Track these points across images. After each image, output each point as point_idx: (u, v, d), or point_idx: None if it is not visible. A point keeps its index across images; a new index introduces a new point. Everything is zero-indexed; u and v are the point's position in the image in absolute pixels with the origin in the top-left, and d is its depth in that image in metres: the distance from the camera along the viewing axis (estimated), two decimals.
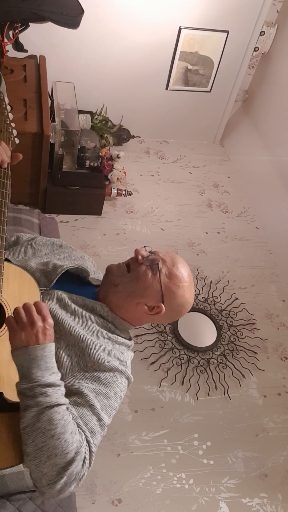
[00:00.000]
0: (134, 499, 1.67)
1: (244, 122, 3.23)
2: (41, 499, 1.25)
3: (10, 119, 1.25)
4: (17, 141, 1.23)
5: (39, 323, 0.92)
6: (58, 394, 0.90)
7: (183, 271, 1.16)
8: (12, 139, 1.22)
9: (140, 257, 1.14)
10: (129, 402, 1.90)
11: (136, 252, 1.15)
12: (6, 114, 1.24)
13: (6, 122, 1.23)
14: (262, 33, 2.79)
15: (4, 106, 1.25)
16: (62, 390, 0.92)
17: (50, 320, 0.95)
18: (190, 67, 2.81)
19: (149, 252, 1.18)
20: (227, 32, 2.71)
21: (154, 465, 1.77)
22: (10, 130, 1.23)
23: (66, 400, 0.92)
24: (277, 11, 2.84)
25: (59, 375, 0.93)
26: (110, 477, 1.70)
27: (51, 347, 0.93)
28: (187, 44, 2.70)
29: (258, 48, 2.87)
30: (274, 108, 2.92)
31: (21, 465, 1.12)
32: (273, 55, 2.92)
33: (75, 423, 0.92)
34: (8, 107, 1.26)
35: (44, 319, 0.93)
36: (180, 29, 2.62)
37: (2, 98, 1.26)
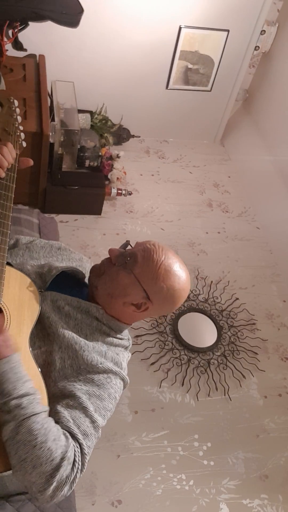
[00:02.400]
0: (134, 500, 1.67)
1: (244, 122, 3.23)
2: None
3: (19, 122, 1.24)
4: (24, 144, 1.23)
5: None
6: (33, 404, 0.89)
7: (162, 261, 1.05)
8: (20, 142, 1.21)
9: (113, 257, 1.10)
10: (129, 403, 1.89)
11: (109, 252, 1.11)
12: (15, 117, 1.23)
13: (15, 125, 1.22)
14: (262, 32, 2.78)
15: (13, 109, 1.24)
16: (38, 397, 0.91)
17: (7, 332, 0.94)
18: (190, 66, 2.80)
19: (128, 249, 1.14)
20: (228, 31, 2.70)
21: (154, 466, 1.76)
22: (18, 134, 1.22)
23: (44, 407, 0.92)
24: (278, 10, 2.84)
25: (32, 381, 0.93)
26: (110, 478, 1.70)
27: (16, 357, 0.92)
28: (187, 43, 2.69)
29: (259, 47, 2.86)
30: (274, 108, 2.91)
31: None
32: (273, 54, 2.91)
33: (58, 428, 0.91)
34: (18, 110, 1.25)
35: (0, 332, 0.93)
36: (180, 28, 2.61)
37: (11, 100, 1.25)
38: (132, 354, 1.18)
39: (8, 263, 1.14)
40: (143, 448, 1.79)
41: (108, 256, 1.13)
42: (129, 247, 1.15)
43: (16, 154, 1.18)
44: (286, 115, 2.78)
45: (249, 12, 2.65)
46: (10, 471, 0.95)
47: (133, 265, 1.06)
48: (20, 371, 0.92)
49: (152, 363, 2.03)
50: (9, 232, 1.10)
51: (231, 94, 3.04)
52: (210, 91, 2.96)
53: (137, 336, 2.08)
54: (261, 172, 2.96)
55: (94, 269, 1.15)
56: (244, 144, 3.16)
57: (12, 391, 0.88)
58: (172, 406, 1.94)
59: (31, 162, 1.19)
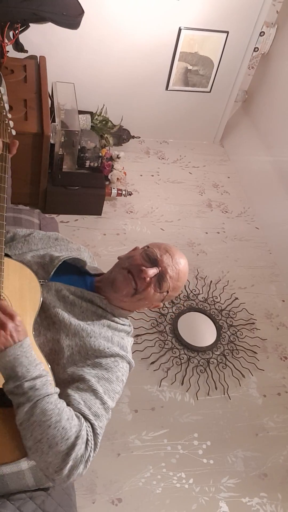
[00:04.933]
0: (134, 498, 1.68)
1: (244, 122, 3.24)
2: (42, 498, 1.25)
3: (7, 110, 1.24)
4: (13, 132, 1.23)
5: (10, 324, 0.92)
6: (46, 385, 0.91)
7: (185, 278, 1.19)
8: (9, 131, 1.21)
9: (148, 279, 1.12)
10: (129, 402, 1.90)
11: (144, 273, 1.11)
12: (1, 105, 1.24)
13: (2, 114, 1.23)
14: (261, 33, 2.80)
15: (0, 97, 1.24)
16: (50, 379, 0.93)
17: (18, 317, 0.95)
18: (190, 67, 2.82)
19: (150, 255, 1.15)
20: (227, 32, 2.71)
21: (154, 464, 1.77)
22: (6, 122, 1.22)
23: (56, 389, 0.94)
24: (277, 11, 2.85)
25: (42, 364, 0.95)
26: (110, 477, 1.71)
27: (27, 342, 0.94)
28: (187, 45, 2.71)
29: (258, 49, 2.88)
30: (274, 109, 2.92)
31: (21, 464, 1.13)
32: (272, 55, 2.92)
33: (70, 409, 0.94)
34: (5, 98, 1.25)
35: (12, 317, 0.94)
36: (180, 29, 2.63)
37: None
38: (132, 353, 1.20)
39: (7, 255, 1.15)
40: (143, 447, 1.80)
41: (131, 264, 1.15)
42: (150, 249, 1.18)
43: (7, 142, 1.17)
44: (285, 116, 2.79)
45: (248, 13, 2.67)
46: (11, 468, 0.96)
47: (168, 289, 1.15)
48: (32, 354, 0.93)
49: (152, 362, 2.04)
50: (4, 223, 1.10)
51: (230, 95, 3.06)
52: (209, 92, 2.98)
53: (137, 336, 2.09)
54: (260, 173, 2.97)
55: (121, 289, 1.13)
56: (243, 145, 3.17)
57: (25, 374, 0.89)
58: (172, 405, 1.95)
59: (17, 142, 1.19)
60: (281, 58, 2.83)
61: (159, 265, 1.13)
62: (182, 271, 1.17)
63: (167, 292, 1.16)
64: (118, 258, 1.23)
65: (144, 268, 1.11)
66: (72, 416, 0.91)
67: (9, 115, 1.23)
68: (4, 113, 1.23)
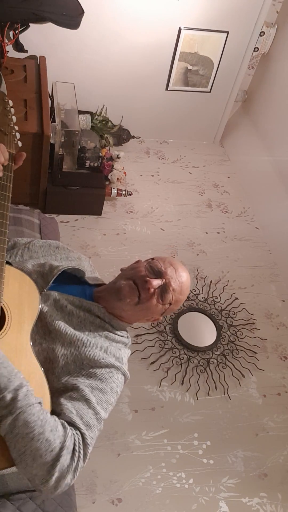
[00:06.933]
0: (134, 498, 1.68)
1: (244, 123, 3.24)
2: (41, 498, 1.25)
3: (14, 121, 1.25)
4: (20, 144, 1.24)
5: None
6: (28, 396, 0.89)
7: (187, 292, 1.21)
8: (16, 142, 1.22)
9: (152, 290, 1.13)
10: (129, 402, 1.91)
11: (148, 284, 1.12)
12: (10, 117, 1.24)
13: (10, 125, 1.23)
14: (261, 33, 2.80)
15: (8, 108, 1.25)
16: (31, 388, 0.92)
17: None
18: (190, 67, 2.82)
19: (154, 268, 1.16)
20: (227, 32, 2.71)
21: (154, 464, 1.77)
22: (13, 133, 1.23)
23: (38, 398, 0.92)
24: (277, 11, 2.85)
25: (21, 372, 0.93)
26: (110, 477, 1.71)
27: (0, 353, 0.93)
28: (187, 45, 2.71)
29: (258, 49, 2.88)
30: (274, 109, 2.93)
31: None
32: (272, 55, 2.92)
33: (55, 418, 0.92)
34: (12, 110, 1.26)
35: None
36: (180, 29, 2.63)
37: (6, 100, 1.26)
38: (132, 353, 1.21)
39: (8, 262, 1.15)
40: (143, 447, 1.81)
41: (136, 275, 1.16)
42: (155, 261, 1.18)
43: (12, 153, 1.18)
44: (285, 116, 2.79)
45: (248, 13, 2.67)
46: (11, 468, 0.96)
47: (171, 301, 1.16)
48: (9, 364, 0.92)
49: (152, 362, 2.04)
50: (7, 231, 1.10)
51: (230, 95, 3.06)
52: (209, 92, 2.98)
53: (137, 336, 2.10)
54: (260, 173, 2.97)
55: (126, 296, 1.14)
56: (243, 145, 3.17)
57: (7, 385, 0.88)
58: (172, 405, 1.95)
59: (24, 155, 1.20)
60: (281, 58, 2.84)
61: (163, 277, 1.15)
62: (184, 284, 1.19)
63: (169, 304, 1.16)
64: (121, 269, 1.24)
65: (148, 279, 1.13)
66: (56, 426, 0.90)
67: (16, 127, 1.24)
68: (12, 125, 1.23)
